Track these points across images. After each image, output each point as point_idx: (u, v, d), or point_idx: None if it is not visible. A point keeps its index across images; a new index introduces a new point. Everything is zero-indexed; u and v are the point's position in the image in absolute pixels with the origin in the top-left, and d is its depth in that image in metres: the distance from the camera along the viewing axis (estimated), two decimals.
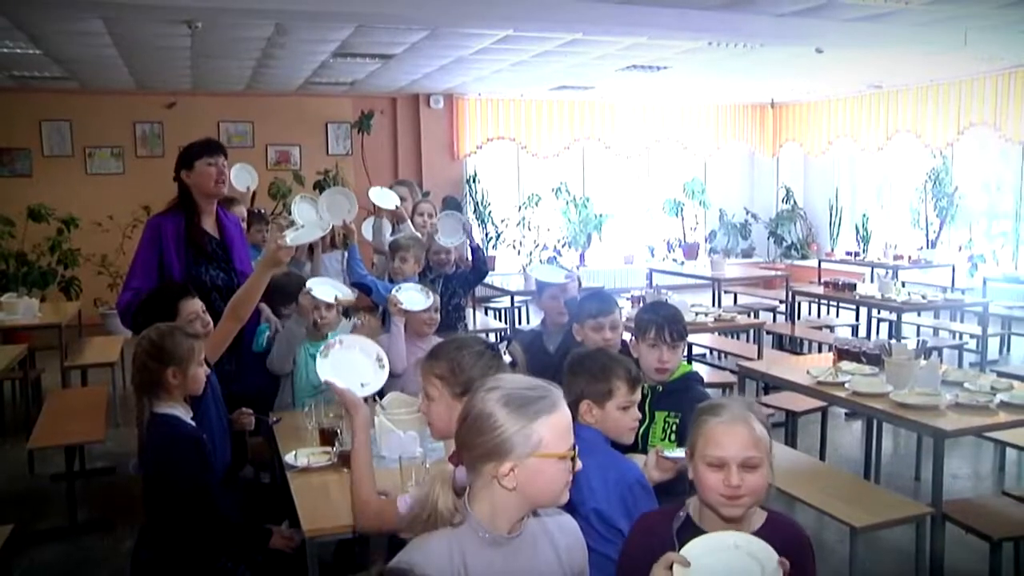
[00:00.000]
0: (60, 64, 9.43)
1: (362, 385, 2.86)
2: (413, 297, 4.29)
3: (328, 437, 3.41)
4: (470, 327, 6.79)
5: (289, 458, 3.30)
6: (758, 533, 2.01)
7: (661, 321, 3.33)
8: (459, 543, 1.84)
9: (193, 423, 3.11)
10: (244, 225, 5.60)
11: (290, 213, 5.29)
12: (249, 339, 4.29)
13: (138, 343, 3.10)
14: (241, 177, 6.28)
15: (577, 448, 1.87)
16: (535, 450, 1.80)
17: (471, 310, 8.55)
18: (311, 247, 5.51)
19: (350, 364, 2.91)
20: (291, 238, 3.51)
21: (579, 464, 1.86)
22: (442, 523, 1.87)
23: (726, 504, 2.05)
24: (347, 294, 4.18)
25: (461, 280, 5.49)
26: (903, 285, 8.26)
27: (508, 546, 1.88)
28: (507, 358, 2.49)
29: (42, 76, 10.17)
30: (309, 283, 4.15)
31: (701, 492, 2.10)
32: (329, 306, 4.19)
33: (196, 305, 3.58)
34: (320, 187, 11.20)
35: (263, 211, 6.69)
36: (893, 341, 5.34)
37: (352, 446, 2.56)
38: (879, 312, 8.99)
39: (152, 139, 11.86)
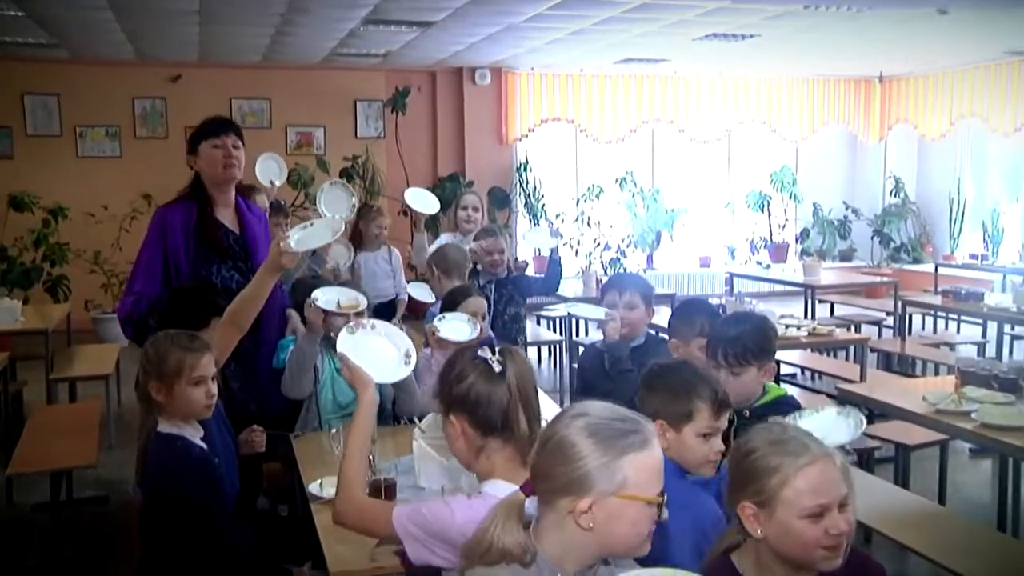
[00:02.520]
0: (46, 28, 9.56)
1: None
2: (457, 327, 4.23)
3: None
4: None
5: (314, 488, 3.32)
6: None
7: (717, 340, 3.36)
8: None
9: (203, 444, 3.13)
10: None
11: (314, 203, 5.30)
12: (264, 352, 4.32)
13: None
14: (267, 169, 6.32)
15: (666, 496, 1.90)
16: (619, 490, 1.85)
17: None
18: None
19: (374, 350, 2.96)
20: (295, 241, 3.49)
21: (666, 514, 1.89)
22: (505, 559, 1.90)
23: (829, 556, 2.04)
24: (352, 299, 4.17)
25: (518, 285, 5.49)
26: None
27: None
28: (496, 367, 2.45)
29: (25, 43, 10.30)
30: (315, 292, 4.16)
31: (794, 550, 2.06)
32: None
33: None
34: (347, 175, 11.30)
35: (283, 202, 6.74)
36: None
37: (352, 426, 2.65)
38: (1013, 328, 8.81)
39: (154, 117, 12.04)
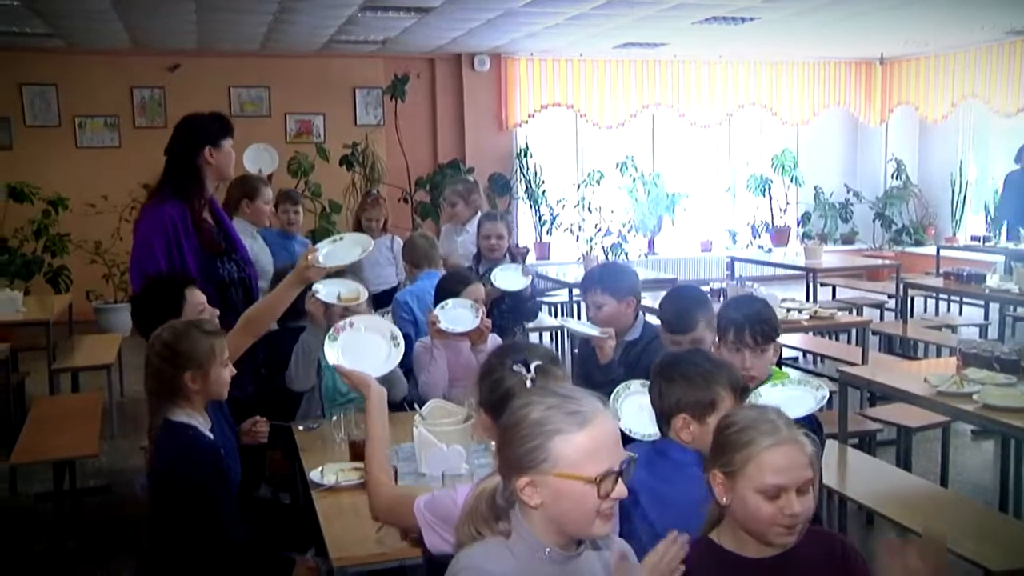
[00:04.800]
0: (44, 19, 9.53)
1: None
2: (459, 315, 4.22)
3: (360, 451, 3.41)
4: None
5: (315, 475, 3.34)
6: (795, 551, 2.17)
7: (742, 320, 3.33)
8: (513, 553, 1.94)
9: (212, 435, 3.15)
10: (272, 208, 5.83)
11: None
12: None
13: (150, 345, 3.17)
14: (259, 159, 6.32)
15: (628, 473, 1.91)
16: (554, 468, 1.87)
17: None
18: None
19: (362, 346, 3.04)
20: (324, 256, 3.55)
21: (622, 492, 1.89)
22: (483, 537, 1.98)
23: (784, 534, 2.15)
24: (352, 291, 4.17)
25: None
26: None
27: (565, 565, 1.95)
28: (528, 384, 2.52)
29: (23, 32, 10.25)
30: (315, 285, 4.16)
31: (750, 523, 2.17)
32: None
33: (201, 296, 3.67)
34: (347, 163, 11.30)
35: (293, 189, 6.78)
36: None
37: (367, 427, 2.72)
38: (1015, 309, 8.79)
39: (152, 107, 12.01)
